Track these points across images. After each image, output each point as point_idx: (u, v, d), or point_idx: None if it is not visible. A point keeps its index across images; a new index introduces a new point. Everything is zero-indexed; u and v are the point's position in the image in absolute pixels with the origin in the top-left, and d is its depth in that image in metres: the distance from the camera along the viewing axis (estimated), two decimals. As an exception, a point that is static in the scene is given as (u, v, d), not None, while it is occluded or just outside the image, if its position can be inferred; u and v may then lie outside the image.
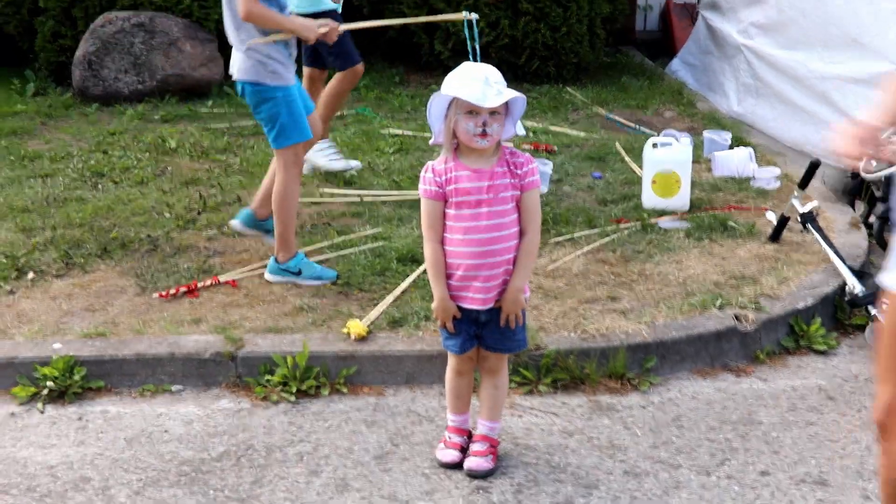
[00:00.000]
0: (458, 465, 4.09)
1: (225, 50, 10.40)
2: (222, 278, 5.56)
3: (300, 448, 4.27)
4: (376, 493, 3.95)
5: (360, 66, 7.12)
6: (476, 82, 3.64)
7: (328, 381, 4.75)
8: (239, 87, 5.37)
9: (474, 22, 5.94)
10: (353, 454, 4.22)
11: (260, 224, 5.87)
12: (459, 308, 3.89)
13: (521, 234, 3.87)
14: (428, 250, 3.87)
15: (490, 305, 3.89)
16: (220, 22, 10.08)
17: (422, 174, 3.87)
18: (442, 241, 3.85)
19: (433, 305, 3.92)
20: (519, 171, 3.83)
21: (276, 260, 5.52)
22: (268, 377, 4.73)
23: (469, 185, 3.77)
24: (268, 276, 5.56)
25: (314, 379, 4.72)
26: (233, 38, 5.28)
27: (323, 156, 7.34)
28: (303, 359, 4.71)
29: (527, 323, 4.13)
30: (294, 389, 4.67)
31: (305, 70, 7.18)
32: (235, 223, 5.89)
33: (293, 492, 3.95)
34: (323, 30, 5.39)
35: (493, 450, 4.12)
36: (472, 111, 3.67)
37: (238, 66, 5.28)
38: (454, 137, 3.76)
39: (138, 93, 9.82)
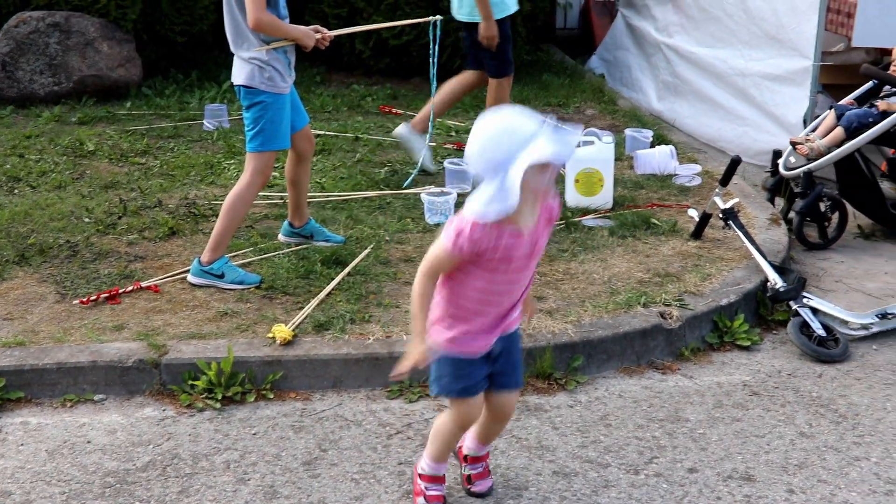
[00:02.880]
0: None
1: (142, 50, 10.33)
2: (144, 283, 5.48)
3: (227, 456, 4.21)
4: (305, 499, 3.91)
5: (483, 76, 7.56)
6: (546, 139, 3.15)
7: (254, 386, 4.70)
8: (236, 91, 5.45)
9: (439, 24, 6.59)
10: (281, 461, 4.18)
11: (297, 232, 6.10)
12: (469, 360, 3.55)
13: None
14: (422, 286, 3.41)
15: (502, 333, 3.57)
16: (137, 22, 10.09)
17: (457, 225, 3.31)
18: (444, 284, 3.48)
19: (411, 349, 3.38)
20: (553, 221, 3.54)
21: (199, 262, 5.46)
22: (192, 384, 4.67)
23: (515, 252, 3.37)
24: (190, 278, 5.50)
25: (240, 385, 4.66)
26: (233, 45, 5.34)
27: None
28: (228, 365, 4.65)
29: None
30: (219, 396, 4.61)
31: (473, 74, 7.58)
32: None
33: (221, 500, 3.90)
34: (318, 36, 5.48)
35: (488, 464, 4.01)
36: (545, 166, 3.23)
37: (236, 72, 5.37)
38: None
39: (54, 94, 9.65)
